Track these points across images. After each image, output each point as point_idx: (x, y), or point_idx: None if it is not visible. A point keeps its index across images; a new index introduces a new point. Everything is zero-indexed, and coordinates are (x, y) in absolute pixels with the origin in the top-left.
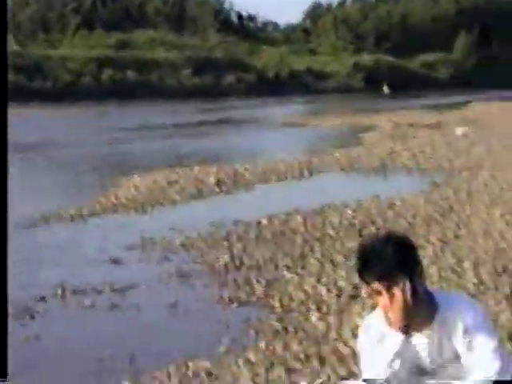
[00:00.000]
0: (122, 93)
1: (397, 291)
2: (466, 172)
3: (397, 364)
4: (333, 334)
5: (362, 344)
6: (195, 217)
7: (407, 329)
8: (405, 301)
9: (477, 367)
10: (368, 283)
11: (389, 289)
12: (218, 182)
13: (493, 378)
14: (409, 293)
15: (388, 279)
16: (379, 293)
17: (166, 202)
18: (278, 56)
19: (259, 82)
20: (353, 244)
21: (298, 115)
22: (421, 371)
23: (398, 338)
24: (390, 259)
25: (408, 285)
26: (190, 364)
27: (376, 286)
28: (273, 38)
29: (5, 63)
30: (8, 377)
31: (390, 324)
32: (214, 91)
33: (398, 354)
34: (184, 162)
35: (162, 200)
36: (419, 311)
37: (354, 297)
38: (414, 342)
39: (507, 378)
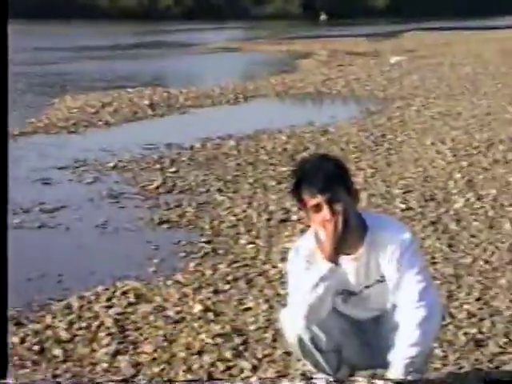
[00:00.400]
0: (52, 13)
1: (338, 206)
2: (400, 100)
3: (321, 288)
4: (262, 257)
5: (291, 266)
6: (128, 139)
7: (336, 254)
8: (344, 218)
9: (403, 290)
10: (307, 199)
11: (330, 202)
12: (152, 105)
13: (417, 301)
14: (347, 211)
15: (331, 192)
16: (318, 208)
17: (100, 123)
18: None
19: (197, 5)
20: (285, 169)
21: (235, 40)
22: (347, 293)
23: (325, 263)
24: (331, 172)
25: (349, 201)
26: (119, 284)
27: (317, 199)
28: None
29: (5, 64)
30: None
31: (321, 247)
32: (150, 13)
33: (323, 279)
34: (118, 84)
35: (95, 121)
36: (351, 233)
37: (284, 221)
38: (341, 266)
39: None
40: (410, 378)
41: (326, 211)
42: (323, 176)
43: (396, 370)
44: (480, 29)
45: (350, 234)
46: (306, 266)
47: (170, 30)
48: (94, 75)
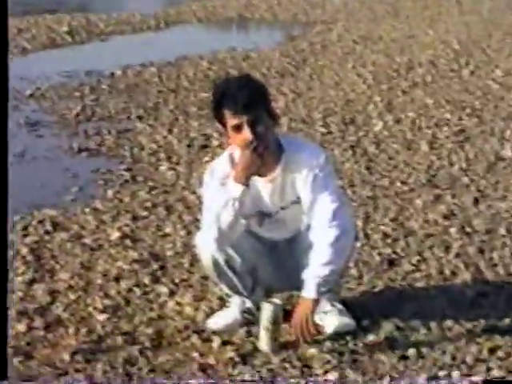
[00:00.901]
0: None
1: (259, 128)
2: (322, 24)
3: (231, 210)
4: (181, 183)
5: (206, 185)
6: (47, 67)
7: (248, 176)
8: (264, 140)
9: (316, 210)
10: (228, 118)
11: (252, 123)
12: (71, 32)
13: (330, 220)
14: (268, 133)
15: (253, 113)
16: (239, 129)
17: (16, 50)
18: None
19: None
20: (206, 95)
21: None
22: (262, 215)
23: (236, 185)
24: (255, 93)
25: (270, 124)
26: (36, 213)
27: (239, 119)
28: None
29: (5, 63)
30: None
31: (234, 169)
32: None
33: (233, 201)
34: (34, 9)
35: (11, 49)
36: (268, 155)
37: (205, 147)
38: (256, 187)
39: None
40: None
41: (247, 132)
42: (247, 96)
43: (309, 289)
44: None
45: (267, 157)
46: (219, 188)
47: None
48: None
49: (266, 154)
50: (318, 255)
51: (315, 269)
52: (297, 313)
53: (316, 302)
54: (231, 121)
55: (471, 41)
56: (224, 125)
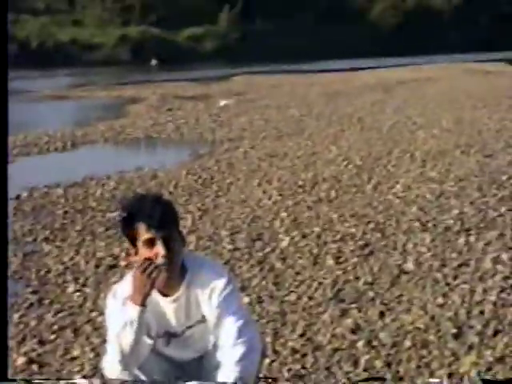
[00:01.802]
0: None
1: (172, 244)
2: (228, 142)
3: (130, 332)
4: (89, 305)
5: (108, 311)
6: None
7: (145, 297)
8: (176, 254)
9: (222, 329)
10: (141, 233)
11: (165, 239)
12: None
13: (236, 338)
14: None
15: (167, 229)
16: (152, 243)
17: None
18: (40, 26)
19: (22, 54)
20: (114, 215)
21: (63, 88)
22: (168, 335)
23: (133, 306)
24: (168, 210)
25: (179, 241)
26: None
27: (153, 234)
28: (35, 8)
29: (5, 63)
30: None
31: (133, 289)
32: None
33: (131, 323)
34: None
35: None
36: (174, 273)
37: (113, 267)
38: (161, 307)
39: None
40: None
41: (160, 247)
42: (162, 212)
43: None
44: (307, 72)
45: (172, 276)
46: (120, 309)
47: None
48: None
49: (173, 272)
50: (226, 374)
51: None
52: None
53: None
54: (144, 235)
55: (372, 157)
56: (134, 240)
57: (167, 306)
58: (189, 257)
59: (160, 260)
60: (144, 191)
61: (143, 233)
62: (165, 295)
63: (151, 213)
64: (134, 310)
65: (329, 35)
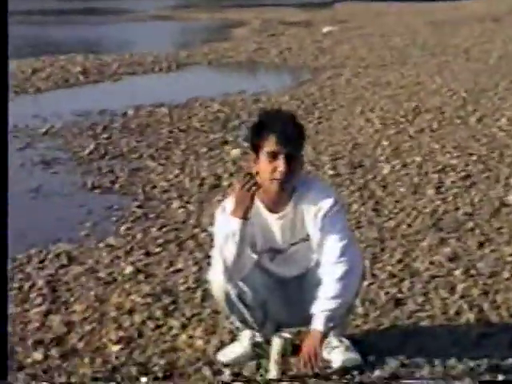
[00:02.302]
0: None
1: (292, 162)
2: (331, 70)
3: (232, 244)
4: (192, 221)
5: (217, 222)
6: (60, 106)
7: (247, 211)
8: (293, 173)
9: (325, 248)
10: (268, 143)
11: (288, 156)
12: (85, 72)
13: (338, 257)
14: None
15: (293, 147)
16: (275, 157)
17: (31, 90)
18: None
19: None
20: (217, 136)
21: (167, 9)
22: (273, 251)
23: (235, 220)
24: (301, 131)
25: (300, 162)
26: (51, 247)
27: (279, 148)
28: None
29: (5, 63)
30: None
31: (266, 202)
32: None
33: (233, 235)
34: (50, 50)
35: (26, 88)
36: (286, 191)
37: (216, 187)
38: (268, 223)
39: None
40: (330, 330)
41: (281, 162)
42: (295, 132)
43: (317, 323)
44: (412, 0)
45: (284, 193)
46: (225, 223)
47: None
48: (23, 41)
49: (286, 190)
50: (327, 290)
51: (324, 303)
52: (305, 345)
53: (324, 335)
54: (271, 147)
55: (478, 89)
56: (258, 149)
57: (274, 223)
58: (300, 176)
59: (277, 175)
60: (246, 115)
61: (271, 144)
62: (273, 212)
63: (284, 128)
64: (235, 223)
65: None
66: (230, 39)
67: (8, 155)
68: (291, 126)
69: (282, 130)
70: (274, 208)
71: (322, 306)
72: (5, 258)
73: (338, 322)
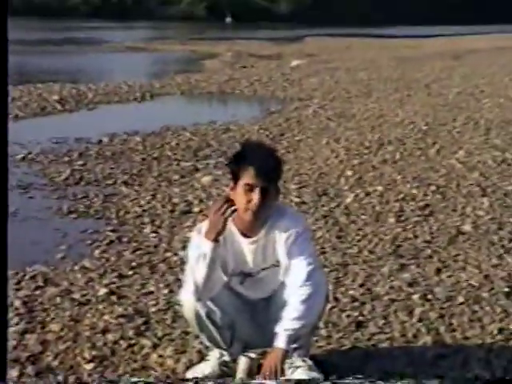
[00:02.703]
0: None
1: (267, 195)
2: (298, 101)
3: (203, 265)
4: (164, 245)
5: (191, 243)
6: (38, 133)
7: (219, 234)
8: (267, 206)
9: (292, 271)
10: (247, 176)
11: (264, 191)
12: (62, 101)
13: (304, 280)
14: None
15: (270, 182)
16: (251, 189)
17: (9, 117)
18: None
19: (104, 5)
20: (188, 164)
21: (141, 40)
22: (243, 274)
23: (207, 242)
24: (278, 166)
25: (274, 194)
26: (28, 269)
27: (256, 182)
28: None
29: (5, 63)
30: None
31: (239, 227)
32: (58, 10)
33: (204, 257)
34: (27, 79)
35: None
36: (260, 220)
37: (187, 212)
38: (240, 247)
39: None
40: (294, 350)
41: (257, 196)
42: (271, 167)
43: (280, 341)
44: (379, 37)
45: (258, 221)
46: (198, 244)
47: (77, 27)
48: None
49: (259, 219)
50: (291, 311)
51: (287, 323)
52: (267, 361)
53: (286, 352)
54: (248, 179)
55: (437, 123)
56: (236, 177)
57: (246, 247)
58: (275, 205)
59: (252, 206)
60: (216, 145)
61: (248, 177)
62: (246, 236)
63: (263, 163)
64: (207, 245)
65: (401, 3)
66: (202, 70)
67: (7, 157)
68: (270, 161)
69: (260, 164)
70: (247, 233)
71: (286, 325)
72: (5, 256)
73: (301, 342)
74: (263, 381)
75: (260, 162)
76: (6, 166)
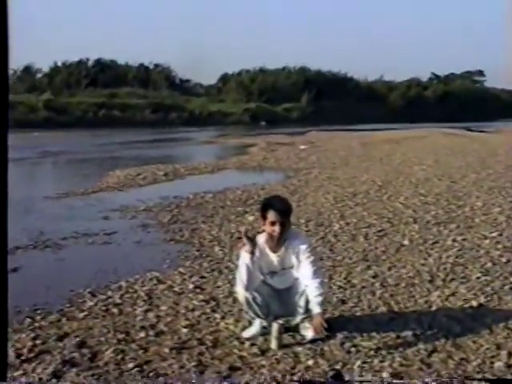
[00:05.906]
0: (110, 123)
1: (285, 226)
2: (305, 170)
3: (246, 270)
4: (227, 258)
5: (241, 256)
6: (152, 193)
7: (254, 250)
8: (284, 232)
9: (303, 269)
10: (270, 216)
11: (282, 223)
12: (166, 174)
13: (313, 273)
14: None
15: (286, 218)
16: (274, 224)
17: (135, 185)
18: (201, 103)
19: (190, 118)
20: (240, 209)
21: (211, 137)
22: (272, 273)
23: (247, 255)
24: (289, 207)
25: (289, 225)
26: (148, 274)
27: (277, 219)
28: (198, 92)
29: (5, 63)
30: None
31: (269, 245)
32: (163, 123)
33: (247, 265)
34: (146, 162)
35: (132, 184)
36: (280, 241)
37: (239, 238)
38: (270, 257)
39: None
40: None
41: (278, 228)
42: (285, 208)
43: (316, 308)
44: (351, 130)
45: (278, 242)
46: (244, 257)
47: (174, 131)
48: (131, 157)
49: (280, 241)
50: (313, 288)
51: (315, 297)
52: (314, 322)
53: (322, 313)
54: (271, 218)
55: (387, 180)
56: (264, 217)
57: (273, 257)
58: (290, 230)
59: (275, 234)
60: (257, 198)
61: (272, 216)
62: (272, 251)
63: (280, 207)
64: (246, 256)
65: (365, 110)
66: (248, 153)
67: (7, 160)
68: (284, 206)
69: (278, 208)
70: (273, 249)
71: (315, 298)
72: (5, 258)
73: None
74: (316, 335)
75: (278, 207)
76: (5, 167)
